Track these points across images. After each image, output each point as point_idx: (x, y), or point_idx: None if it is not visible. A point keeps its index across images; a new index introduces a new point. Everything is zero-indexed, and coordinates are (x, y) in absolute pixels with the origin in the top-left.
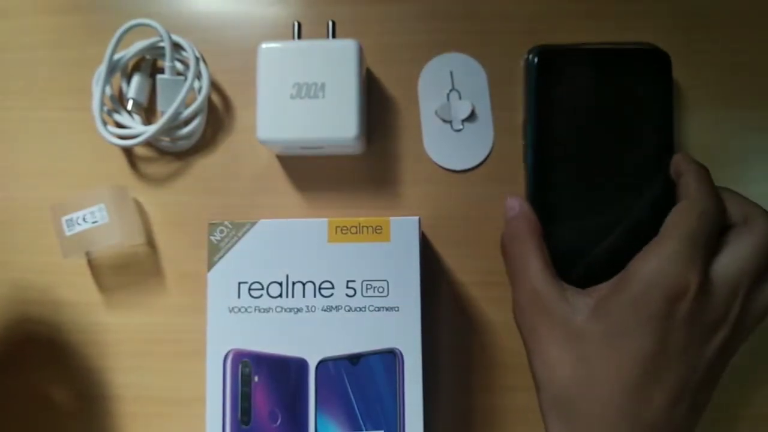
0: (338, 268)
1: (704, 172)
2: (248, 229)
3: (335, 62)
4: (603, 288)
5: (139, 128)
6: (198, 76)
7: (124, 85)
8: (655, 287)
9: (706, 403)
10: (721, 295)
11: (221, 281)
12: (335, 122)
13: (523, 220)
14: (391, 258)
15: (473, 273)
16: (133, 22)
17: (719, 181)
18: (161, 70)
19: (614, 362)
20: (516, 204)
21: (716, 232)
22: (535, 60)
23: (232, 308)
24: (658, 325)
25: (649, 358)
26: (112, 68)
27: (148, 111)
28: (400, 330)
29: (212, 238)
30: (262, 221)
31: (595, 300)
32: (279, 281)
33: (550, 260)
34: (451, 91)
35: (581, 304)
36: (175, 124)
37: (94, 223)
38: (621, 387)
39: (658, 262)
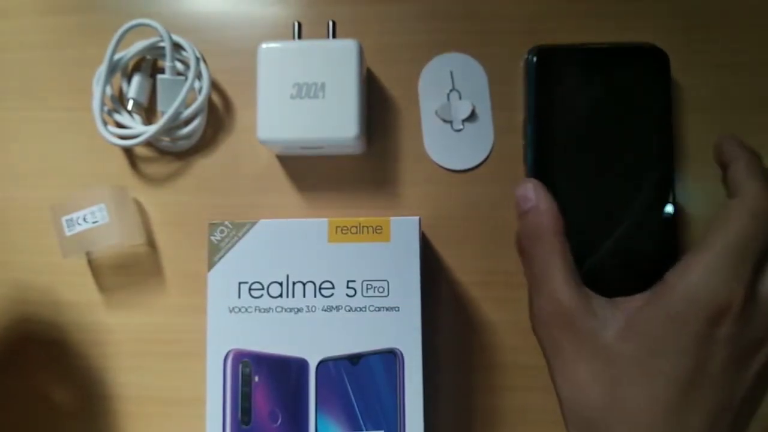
0: (338, 268)
1: (755, 161)
2: (248, 229)
3: (335, 62)
4: (635, 301)
5: (139, 128)
6: (198, 76)
7: (124, 85)
8: (695, 305)
9: (746, 425)
10: (765, 313)
11: (221, 281)
12: (335, 122)
13: (543, 214)
14: (392, 258)
15: (473, 273)
16: (133, 22)
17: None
18: (161, 70)
19: (649, 385)
20: (531, 193)
21: None
22: (535, 60)
23: (233, 308)
24: (697, 346)
25: (686, 381)
26: (112, 68)
27: (148, 111)
28: (401, 330)
29: (212, 238)
30: (262, 221)
31: (626, 314)
32: (279, 281)
33: (573, 263)
34: (451, 91)
35: (610, 317)
36: (175, 124)
37: (94, 223)
38: (656, 411)
39: (698, 277)
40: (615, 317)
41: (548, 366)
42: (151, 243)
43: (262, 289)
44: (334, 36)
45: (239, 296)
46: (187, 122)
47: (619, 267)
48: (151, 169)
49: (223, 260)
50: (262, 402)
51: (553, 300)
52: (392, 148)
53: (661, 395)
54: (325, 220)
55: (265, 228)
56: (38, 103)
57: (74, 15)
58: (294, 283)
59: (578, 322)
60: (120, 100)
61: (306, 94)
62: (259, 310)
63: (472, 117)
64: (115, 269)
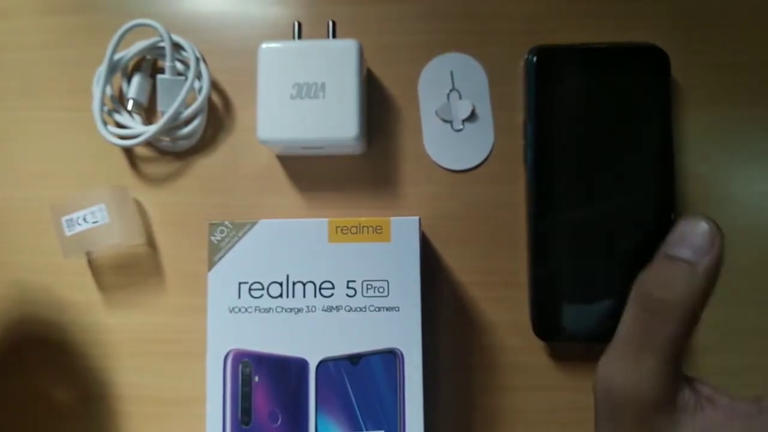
0: (338, 268)
1: None
2: (248, 229)
3: (335, 62)
4: (720, 408)
5: (139, 128)
6: (198, 76)
7: (124, 85)
8: None
9: None
10: None
11: (221, 281)
12: (335, 122)
13: (700, 287)
14: (392, 258)
15: (473, 273)
16: (133, 22)
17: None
18: (161, 70)
19: None
20: (707, 242)
21: None
22: (535, 60)
23: (233, 308)
24: None
25: None
26: (112, 68)
27: (148, 111)
28: (401, 330)
29: (212, 238)
30: (262, 221)
31: (706, 424)
32: (279, 281)
33: (685, 344)
34: (451, 91)
35: (687, 420)
36: (175, 124)
37: (94, 223)
38: None
39: None
40: (693, 422)
41: (596, 427)
42: (151, 243)
43: (262, 289)
44: (334, 36)
45: (239, 296)
46: (187, 122)
47: (621, 271)
48: (151, 169)
49: (223, 260)
50: (262, 402)
51: (638, 386)
52: (392, 148)
53: None
54: (325, 220)
55: (265, 228)
56: (38, 103)
57: (74, 15)
58: (294, 283)
59: (652, 417)
60: (120, 100)
61: (306, 94)
62: (259, 310)
63: (472, 117)
64: (115, 269)
